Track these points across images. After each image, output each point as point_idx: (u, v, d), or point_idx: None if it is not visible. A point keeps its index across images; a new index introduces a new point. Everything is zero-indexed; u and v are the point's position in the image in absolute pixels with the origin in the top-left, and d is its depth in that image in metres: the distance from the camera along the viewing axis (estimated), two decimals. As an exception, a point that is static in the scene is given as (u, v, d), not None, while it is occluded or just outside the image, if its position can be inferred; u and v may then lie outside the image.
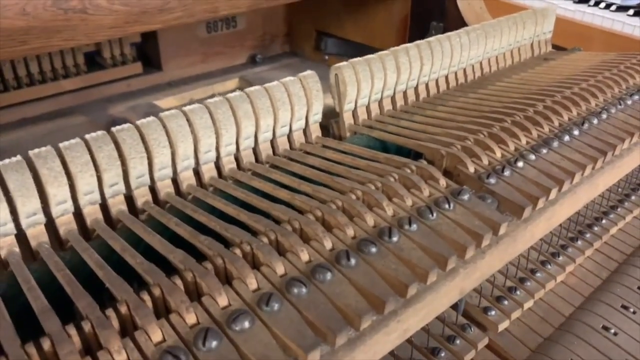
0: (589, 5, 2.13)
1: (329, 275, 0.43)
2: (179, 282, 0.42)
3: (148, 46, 1.46)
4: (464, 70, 0.93)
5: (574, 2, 2.16)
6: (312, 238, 0.48)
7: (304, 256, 0.45)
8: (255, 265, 0.46)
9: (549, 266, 0.74)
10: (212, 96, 1.54)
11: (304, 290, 0.42)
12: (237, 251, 0.45)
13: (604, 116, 0.73)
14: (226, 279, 0.45)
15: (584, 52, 1.11)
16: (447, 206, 0.53)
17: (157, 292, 0.41)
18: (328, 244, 0.47)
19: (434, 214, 0.51)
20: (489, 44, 0.94)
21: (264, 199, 0.56)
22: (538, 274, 0.72)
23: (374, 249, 0.46)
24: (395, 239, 0.48)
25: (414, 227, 0.50)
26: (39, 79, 1.26)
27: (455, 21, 1.35)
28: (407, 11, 1.44)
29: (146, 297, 0.41)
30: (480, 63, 0.96)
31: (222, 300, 0.41)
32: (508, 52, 1.01)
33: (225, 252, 0.45)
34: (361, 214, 0.51)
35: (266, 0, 1.03)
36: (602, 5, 2.12)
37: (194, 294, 0.43)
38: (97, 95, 1.39)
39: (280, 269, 0.44)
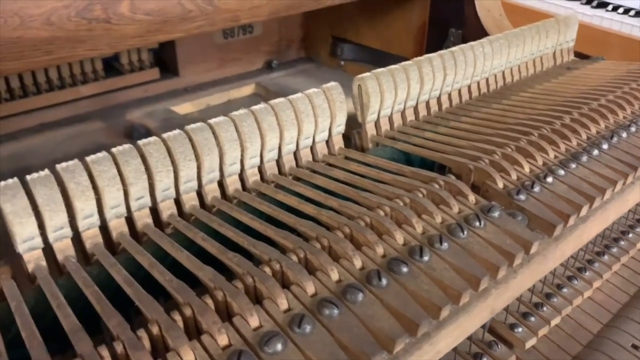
0: (607, 10, 2.10)
1: (360, 296, 0.43)
2: (209, 301, 0.42)
3: (165, 52, 1.47)
4: (487, 80, 0.92)
5: (592, 7, 2.14)
6: (341, 256, 0.47)
7: (334, 275, 0.45)
8: (285, 284, 0.45)
9: (576, 282, 0.72)
10: (228, 102, 1.53)
11: (335, 311, 0.41)
12: (267, 269, 0.45)
13: (633, 129, 0.72)
14: (256, 299, 0.44)
15: (607, 61, 1.09)
16: (477, 224, 0.52)
17: (188, 312, 0.41)
18: (358, 263, 0.46)
19: (465, 232, 0.50)
20: (512, 53, 0.93)
21: (289, 213, 0.55)
22: (564, 290, 0.71)
23: (405, 269, 0.46)
24: (426, 258, 0.47)
25: (445, 245, 0.49)
26: (58, 84, 1.27)
27: (474, 28, 1.34)
28: (425, 17, 1.43)
29: (177, 317, 0.40)
30: (503, 72, 0.95)
31: (254, 321, 0.40)
32: (530, 61, 1.00)
33: (255, 271, 0.44)
34: (390, 232, 0.50)
35: (285, 9, 1.02)
36: (621, 10, 2.09)
37: (224, 313, 0.43)
38: (115, 101, 1.39)
39: (310, 288, 0.43)
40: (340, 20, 1.63)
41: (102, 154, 0.53)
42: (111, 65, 1.38)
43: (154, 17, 0.81)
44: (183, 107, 1.44)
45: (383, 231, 0.51)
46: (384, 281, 0.44)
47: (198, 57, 1.51)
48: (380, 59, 1.55)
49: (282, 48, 1.69)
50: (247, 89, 1.56)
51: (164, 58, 1.48)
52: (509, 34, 0.93)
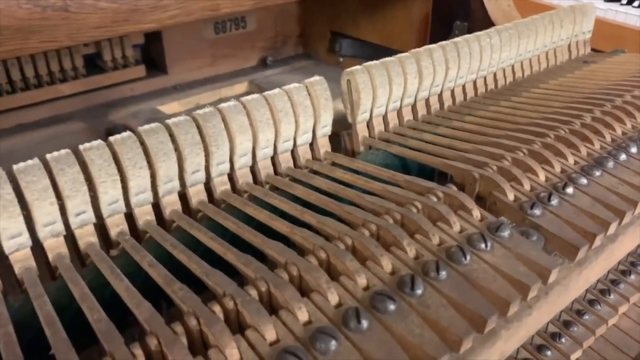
0: (622, 4, 2.01)
1: (333, 344, 0.33)
2: (139, 352, 0.33)
3: (152, 48, 1.38)
4: (494, 74, 0.83)
5: (605, 0, 2.04)
6: (313, 289, 0.38)
7: (303, 316, 0.36)
8: (240, 327, 0.36)
9: (599, 307, 0.63)
10: (219, 101, 1.44)
11: (300, 365, 0.32)
12: (217, 308, 0.36)
13: (665, 130, 0.62)
14: (203, 346, 0.35)
15: (628, 54, 0.99)
16: (483, 246, 0.42)
17: (109, 366, 0.32)
18: (333, 299, 0.37)
19: (468, 257, 0.41)
20: (523, 45, 0.83)
21: (257, 231, 0.46)
22: (586, 317, 0.61)
23: (392, 306, 0.36)
24: (419, 291, 0.38)
25: (443, 274, 0.39)
26: (35, 82, 1.19)
27: (481, 20, 1.24)
28: (428, 10, 1.34)
29: (95, 373, 0.32)
30: (512, 66, 0.85)
31: (193, 380, 0.31)
32: (543, 54, 0.90)
33: (201, 310, 0.35)
34: (375, 257, 0.41)
35: (273, -2, 0.94)
36: (636, 3, 1.99)
37: (161, 364, 0.34)
38: (98, 100, 1.32)
39: (270, 334, 0.34)
40: (339, 15, 1.55)
41: (32, 162, 0.45)
42: (93, 62, 1.30)
43: (119, 5, 0.72)
44: (171, 107, 1.36)
45: (367, 256, 0.41)
46: (365, 323, 0.35)
47: (188, 53, 1.43)
48: (382, 54, 1.46)
49: (278, 44, 1.61)
50: (240, 87, 1.48)
51: (151, 54, 1.40)
52: (519, 24, 0.83)
